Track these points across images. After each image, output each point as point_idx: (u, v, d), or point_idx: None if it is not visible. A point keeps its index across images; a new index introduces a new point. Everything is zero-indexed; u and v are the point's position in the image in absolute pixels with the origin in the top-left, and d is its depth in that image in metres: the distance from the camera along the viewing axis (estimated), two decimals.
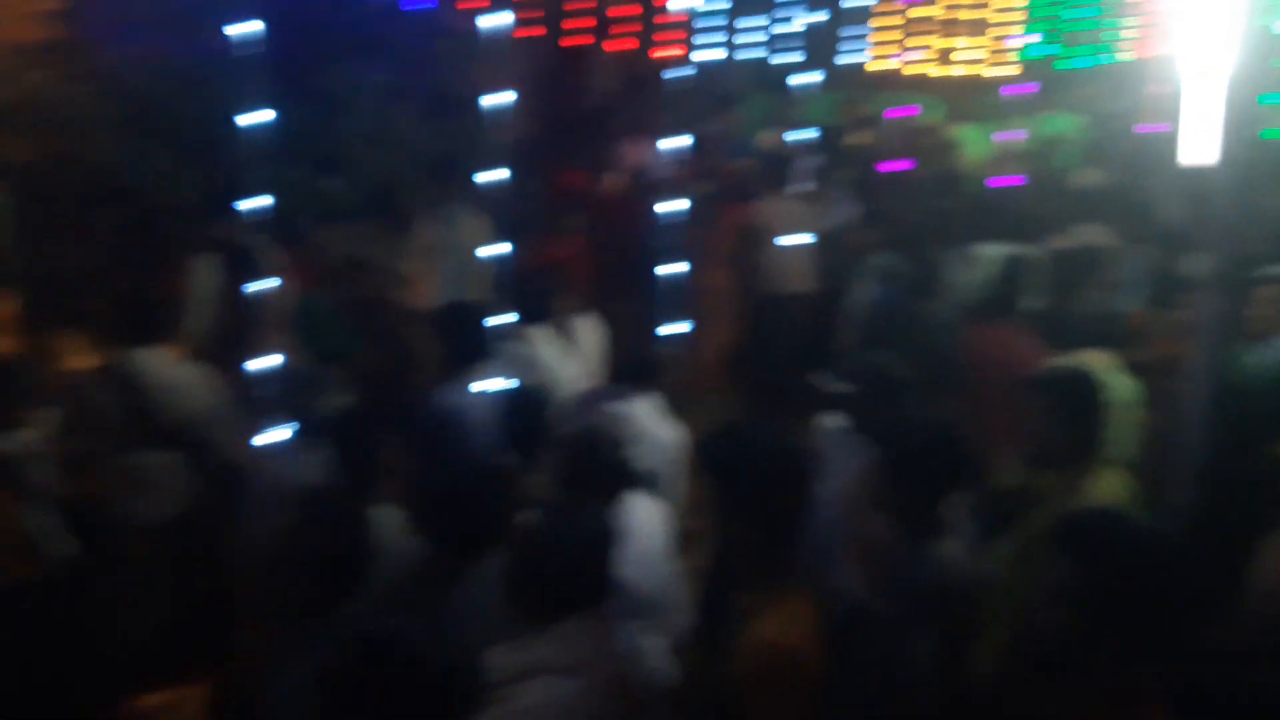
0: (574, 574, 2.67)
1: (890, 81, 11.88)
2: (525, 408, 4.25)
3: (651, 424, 4.67)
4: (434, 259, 6.92)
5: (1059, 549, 2.46)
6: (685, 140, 7.12)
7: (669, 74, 10.47)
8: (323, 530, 2.84)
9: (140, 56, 6.50)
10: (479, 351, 4.79)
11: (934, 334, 5.74)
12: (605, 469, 3.61)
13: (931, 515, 3.29)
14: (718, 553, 3.31)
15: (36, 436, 4.34)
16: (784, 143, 9.09)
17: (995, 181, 8.60)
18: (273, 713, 2.68)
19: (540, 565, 2.67)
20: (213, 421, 4.60)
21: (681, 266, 5.78)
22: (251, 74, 6.56)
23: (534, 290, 5.35)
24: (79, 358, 5.29)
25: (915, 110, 10.69)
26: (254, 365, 4.54)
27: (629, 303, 7.08)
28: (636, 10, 11.16)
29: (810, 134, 8.35)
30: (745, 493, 2.74)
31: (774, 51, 10.93)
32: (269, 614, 3.04)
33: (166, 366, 4.62)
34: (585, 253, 7.24)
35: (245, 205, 5.50)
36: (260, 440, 4.29)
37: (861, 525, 3.86)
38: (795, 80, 9.79)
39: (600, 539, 2.74)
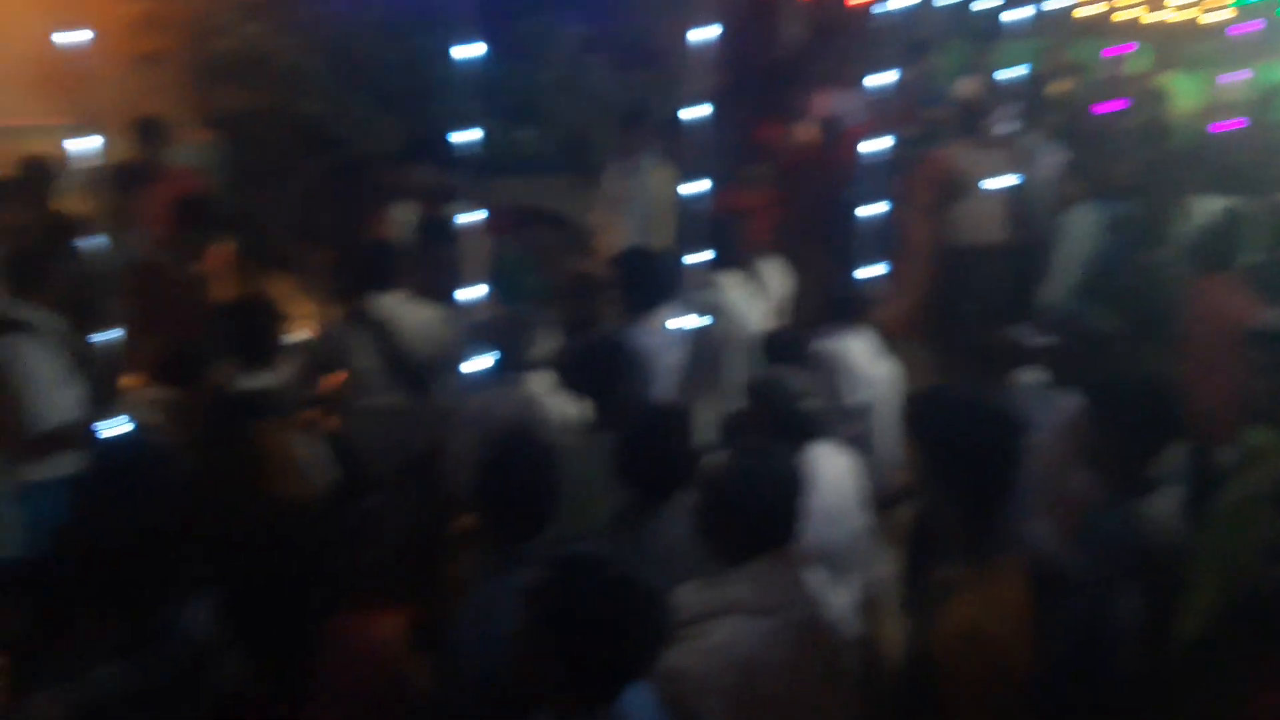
0: (763, 514, 2.66)
1: (1098, 27, 11.29)
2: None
3: (865, 361, 4.67)
4: (621, 209, 7.00)
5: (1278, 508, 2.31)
6: (880, 88, 6.92)
7: (863, 20, 10.25)
8: (524, 464, 2.92)
9: (347, 9, 6.73)
10: (660, 295, 4.80)
11: (1157, 287, 5.51)
12: (786, 417, 3.60)
13: (1141, 472, 3.15)
14: (921, 516, 3.23)
15: (290, 373, 4.57)
16: (983, 90, 8.76)
17: (1216, 127, 8.09)
18: (466, 634, 2.76)
19: (730, 504, 2.68)
20: (446, 361, 4.71)
21: (877, 214, 5.66)
22: (450, 26, 6.74)
23: (723, 235, 5.32)
24: (295, 303, 5.55)
25: (1129, 48, 10.12)
26: (462, 308, 4.67)
27: (821, 251, 7.02)
28: None
29: (1013, 79, 8.00)
30: (952, 460, 2.57)
31: None
32: (473, 544, 3.14)
33: (409, 311, 4.76)
34: (774, 201, 7.20)
35: (443, 154, 5.68)
36: (471, 378, 4.41)
37: (1060, 482, 3.76)
38: (996, 25, 9.42)
39: (788, 481, 2.73)
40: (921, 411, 2.76)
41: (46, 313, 4.39)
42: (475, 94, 6.53)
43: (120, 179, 6.11)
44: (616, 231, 6.77)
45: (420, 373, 4.71)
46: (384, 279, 4.76)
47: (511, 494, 2.91)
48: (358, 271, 4.85)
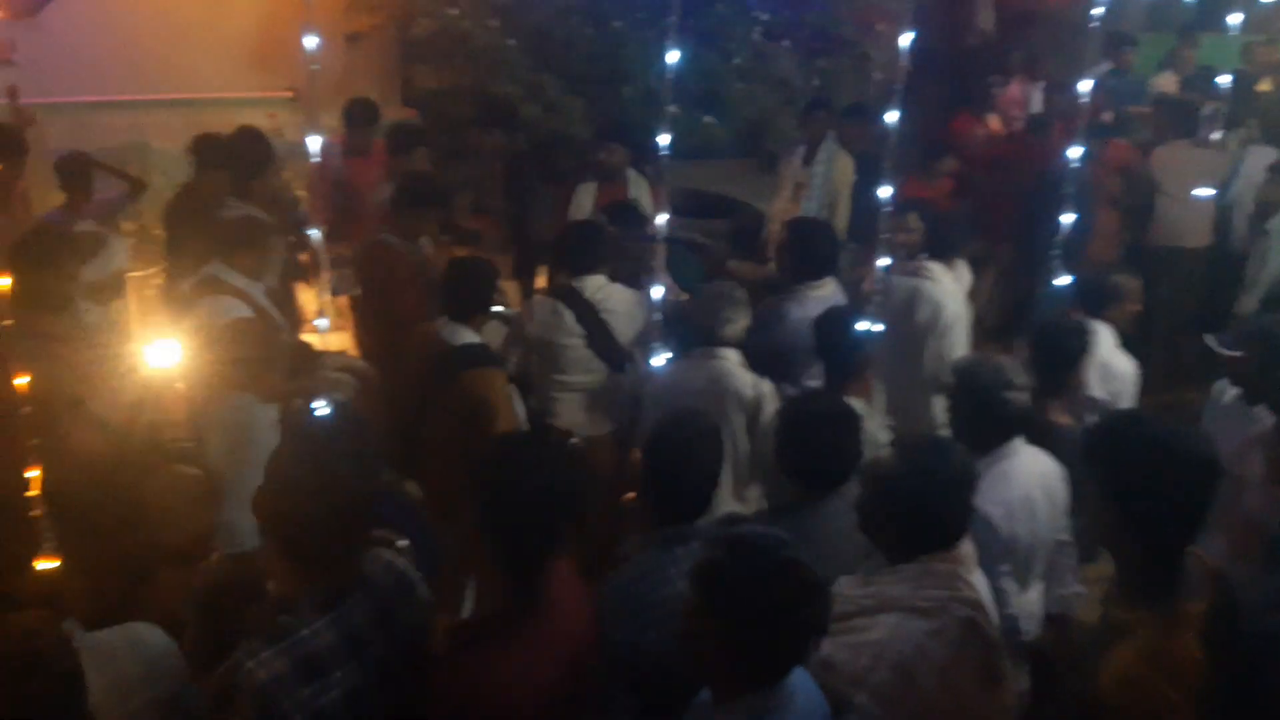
0: (927, 514, 2.65)
1: None
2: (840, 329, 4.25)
3: (1109, 353, 4.60)
4: (800, 196, 6.99)
5: None
6: (1074, 81, 6.70)
7: (1057, 12, 9.89)
8: (688, 446, 2.97)
9: None
10: (824, 267, 4.90)
11: None
12: (987, 408, 3.49)
13: None
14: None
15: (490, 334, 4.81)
16: (1185, 86, 8.38)
17: None
18: (617, 605, 2.83)
19: (894, 503, 2.67)
20: (642, 341, 4.89)
21: (1067, 211, 5.51)
22: (644, 10, 6.86)
23: (945, 226, 5.35)
24: None
25: None
26: (653, 289, 4.78)
27: (1010, 246, 6.89)
28: None
29: (1218, 78, 7.61)
30: (1138, 500, 2.37)
31: None
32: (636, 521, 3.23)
33: (612, 292, 4.92)
34: (953, 194, 7.07)
35: (631, 137, 5.80)
36: (661, 357, 4.56)
37: (1243, 499, 3.62)
38: (1200, 19, 8.97)
39: (956, 480, 2.70)
40: (1107, 441, 2.52)
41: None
42: (661, 79, 6.64)
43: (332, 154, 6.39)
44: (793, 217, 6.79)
45: (621, 352, 4.88)
46: (593, 261, 4.90)
47: (675, 474, 2.95)
48: (569, 252, 5.01)
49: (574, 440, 4.63)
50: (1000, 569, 3.19)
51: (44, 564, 2.33)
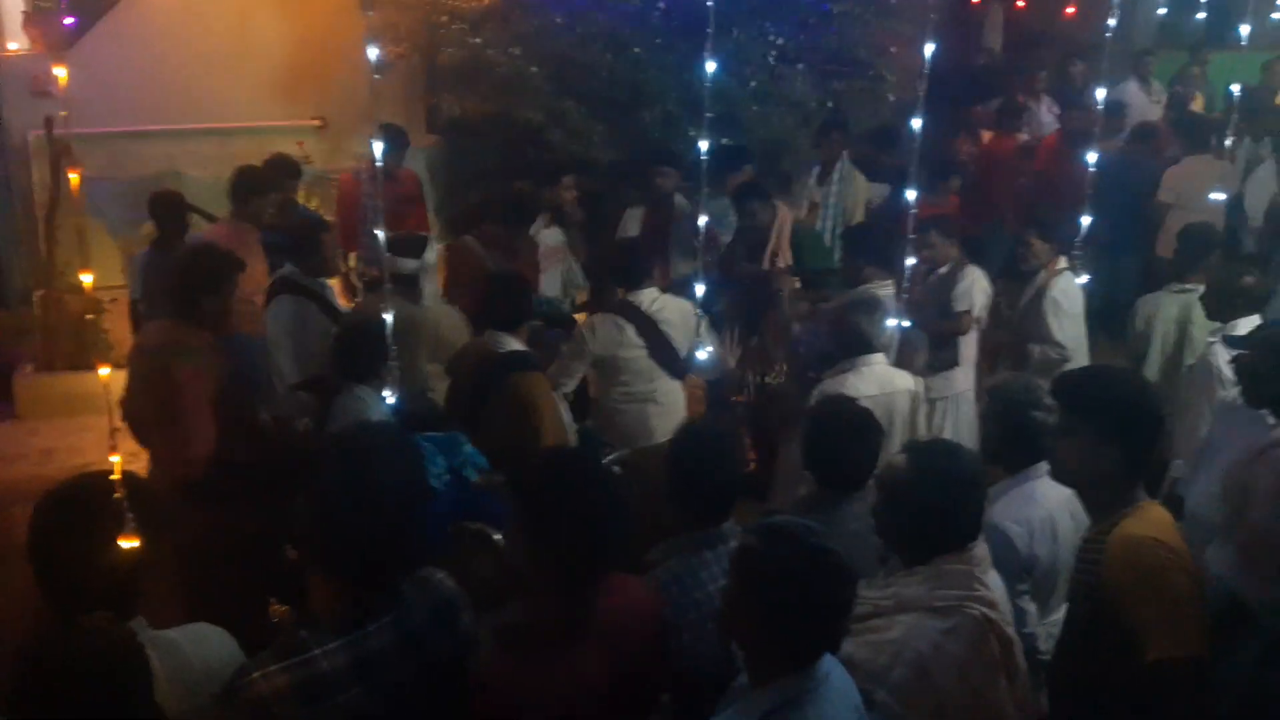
0: (942, 516, 2.72)
1: None
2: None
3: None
4: (814, 213, 7.10)
5: None
6: (1086, 98, 6.80)
7: (1067, 31, 9.96)
8: (715, 454, 3.05)
9: (565, 22, 6.98)
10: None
11: None
12: (1019, 428, 3.48)
13: None
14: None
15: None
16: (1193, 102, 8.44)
17: None
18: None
19: (908, 505, 2.74)
20: (697, 347, 5.17)
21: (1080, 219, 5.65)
22: (662, 36, 6.96)
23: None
24: None
25: None
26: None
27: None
28: None
29: (1231, 92, 7.67)
30: (1115, 423, 2.82)
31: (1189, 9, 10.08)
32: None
33: (666, 303, 5.16)
34: (961, 208, 7.17)
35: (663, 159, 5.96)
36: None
37: (1251, 510, 3.63)
38: (1214, 36, 9.03)
39: (969, 483, 2.77)
40: (1081, 385, 3.00)
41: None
42: (680, 103, 6.75)
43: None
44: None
45: (680, 359, 5.10)
46: (644, 275, 5.15)
47: (702, 479, 3.01)
48: (623, 269, 5.25)
49: (622, 453, 4.77)
50: (1019, 588, 3.28)
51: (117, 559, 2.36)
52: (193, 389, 4.29)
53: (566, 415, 4.78)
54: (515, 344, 4.69)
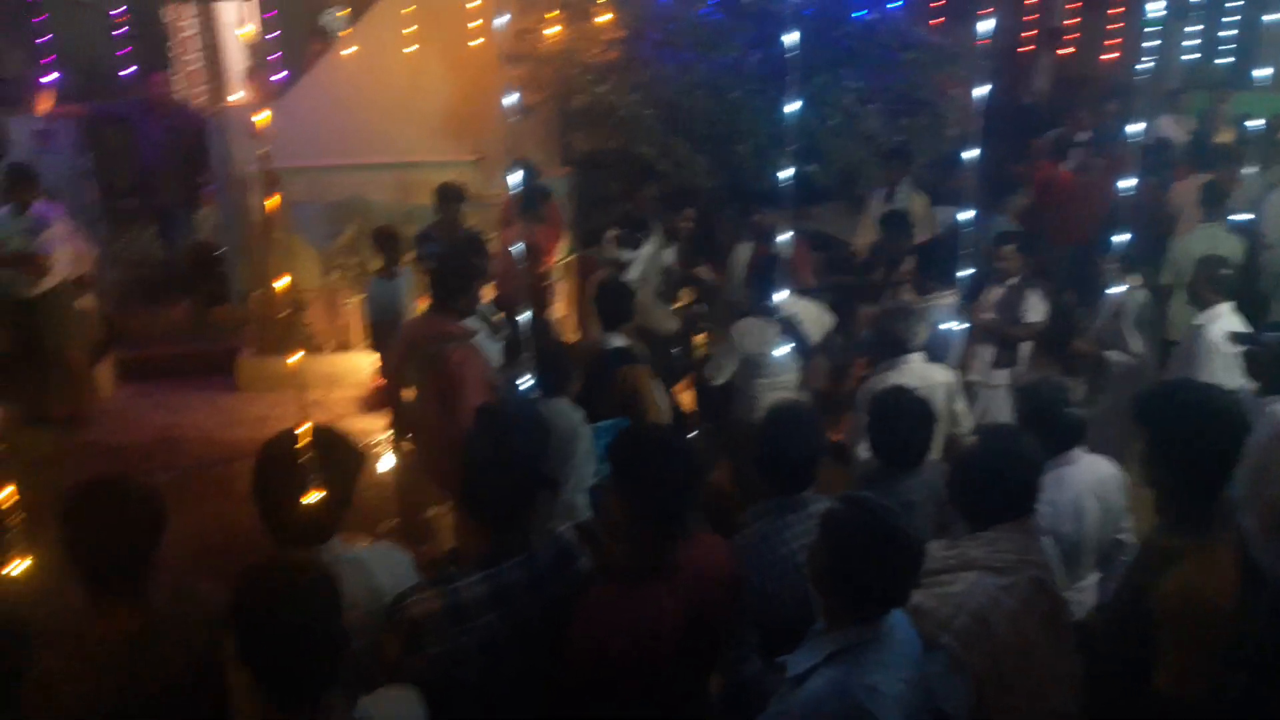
0: (1005, 487, 2.63)
1: None
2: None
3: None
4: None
5: None
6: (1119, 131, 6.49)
7: (1108, 73, 9.53)
8: (801, 429, 2.98)
9: (674, 72, 6.93)
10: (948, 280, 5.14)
11: None
12: (1050, 420, 3.35)
13: None
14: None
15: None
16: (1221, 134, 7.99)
17: None
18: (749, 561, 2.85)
19: (977, 477, 2.66)
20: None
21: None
22: (756, 82, 6.86)
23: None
24: None
25: None
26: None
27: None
28: (1078, 20, 10.36)
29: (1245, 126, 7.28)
30: (1179, 444, 2.51)
31: (1218, 53, 9.54)
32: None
33: (798, 306, 5.16)
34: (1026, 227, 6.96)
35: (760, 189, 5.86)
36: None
37: (1265, 486, 3.43)
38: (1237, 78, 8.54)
39: (1030, 461, 2.67)
40: (1157, 403, 2.63)
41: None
42: (769, 138, 6.65)
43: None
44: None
45: (812, 353, 5.11)
46: (774, 287, 5.09)
47: (787, 451, 2.93)
48: (759, 283, 5.23)
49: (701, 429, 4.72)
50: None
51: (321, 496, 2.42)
52: (468, 367, 4.39)
53: (664, 400, 4.71)
54: (620, 341, 4.64)
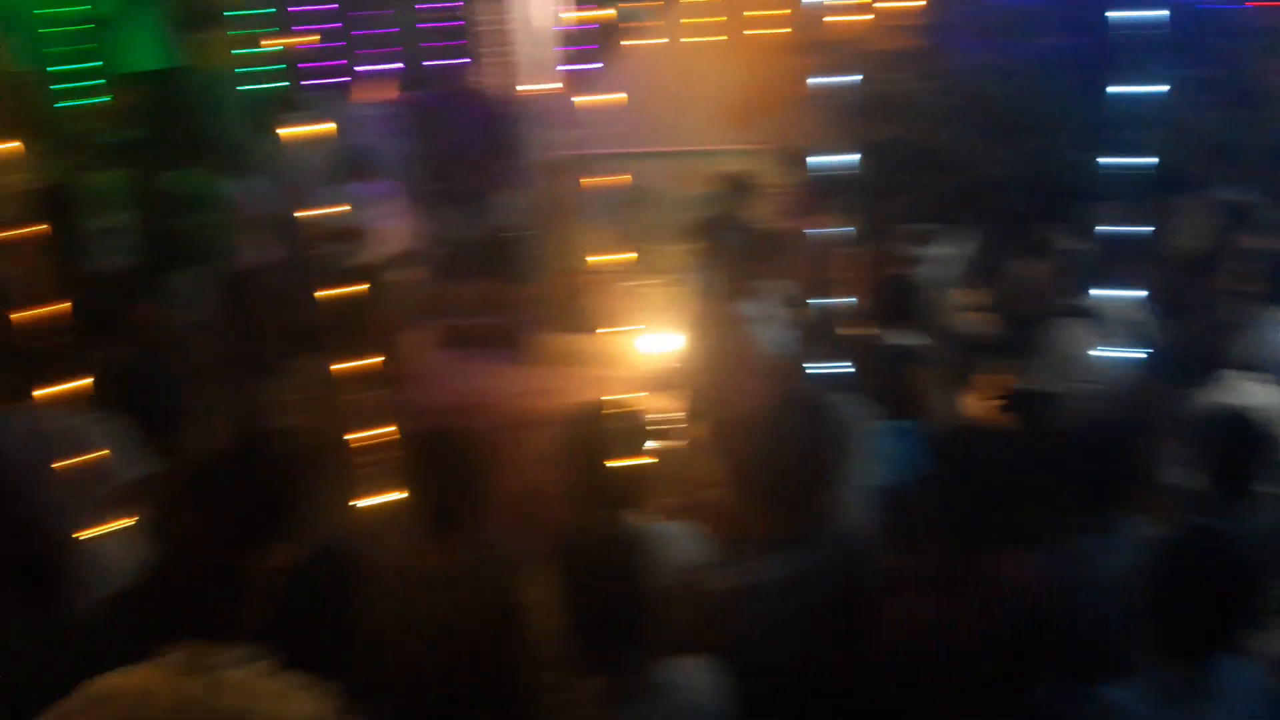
0: None
1: None
2: None
3: None
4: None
5: None
6: None
7: None
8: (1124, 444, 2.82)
9: (979, 60, 6.66)
10: None
11: None
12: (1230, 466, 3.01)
13: None
14: None
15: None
16: None
17: None
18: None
19: None
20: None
21: None
22: (1062, 73, 6.46)
23: None
24: None
25: None
26: None
27: None
28: None
29: None
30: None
31: None
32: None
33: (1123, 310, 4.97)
34: None
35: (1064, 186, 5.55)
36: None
37: None
38: None
39: None
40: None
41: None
42: (1071, 129, 6.23)
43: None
44: None
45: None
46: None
47: (1105, 471, 2.80)
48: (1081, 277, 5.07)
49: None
50: None
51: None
52: (754, 353, 4.58)
53: (951, 405, 4.51)
54: (906, 339, 4.52)
